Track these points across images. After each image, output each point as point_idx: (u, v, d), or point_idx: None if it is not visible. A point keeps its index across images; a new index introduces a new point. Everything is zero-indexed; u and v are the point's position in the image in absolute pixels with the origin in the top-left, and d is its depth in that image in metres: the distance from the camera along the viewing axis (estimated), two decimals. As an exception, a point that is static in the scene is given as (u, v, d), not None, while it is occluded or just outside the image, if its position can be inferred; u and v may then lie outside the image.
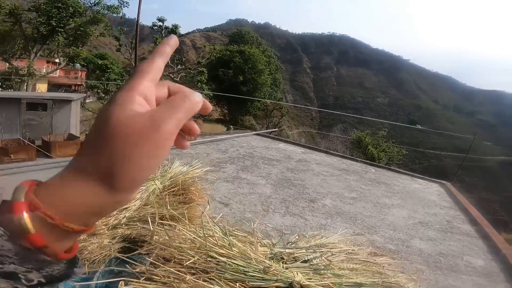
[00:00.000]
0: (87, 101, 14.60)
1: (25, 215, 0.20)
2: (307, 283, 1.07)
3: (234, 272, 1.10)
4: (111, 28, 13.10)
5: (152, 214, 1.86)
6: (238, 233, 1.43)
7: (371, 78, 79.95)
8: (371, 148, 10.51)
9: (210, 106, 0.28)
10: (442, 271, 1.94)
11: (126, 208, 1.91)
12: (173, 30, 13.34)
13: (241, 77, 16.54)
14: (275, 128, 13.48)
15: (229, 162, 4.00)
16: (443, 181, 4.44)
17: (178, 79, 13.46)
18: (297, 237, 1.83)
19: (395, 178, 4.38)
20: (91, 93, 16.77)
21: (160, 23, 13.28)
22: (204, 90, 14.22)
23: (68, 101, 5.45)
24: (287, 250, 1.39)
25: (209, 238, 1.24)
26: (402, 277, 1.25)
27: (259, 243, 1.45)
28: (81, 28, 10.82)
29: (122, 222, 1.86)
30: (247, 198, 2.88)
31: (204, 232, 1.25)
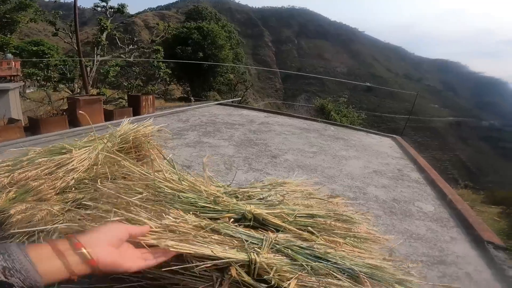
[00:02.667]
0: (28, 91, 12.92)
1: (83, 249, 0.50)
2: (259, 211, 1.07)
3: (183, 204, 1.08)
4: (43, 13, 11.82)
5: (103, 174, 1.73)
6: (190, 175, 1.41)
7: (330, 49, 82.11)
8: (334, 114, 11.06)
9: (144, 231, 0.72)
10: (397, 216, 2.04)
11: (73, 169, 1.75)
12: (120, 9, 11.98)
13: (201, 53, 15.80)
14: (241, 100, 13.33)
15: (191, 130, 3.89)
16: (395, 136, 4.82)
17: (131, 60, 12.40)
18: (254, 182, 1.85)
19: (352, 134, 4.64)
20: (30, 82, 14.83)
21: (104, 3, 11.79)
22: (162, 69, 13.38)
23: (5, 91, 4.95)
24: (241, 190, 1.39)
25: (158, 173, 1.20)
26: (356, 214, 1.28)
27: (212, 183, 1.44)
28: (7, 15, 9.29)
29: (71, 184, 1.71)
30: (210, 159, 2.84)
31: (153, 167, 1.21)
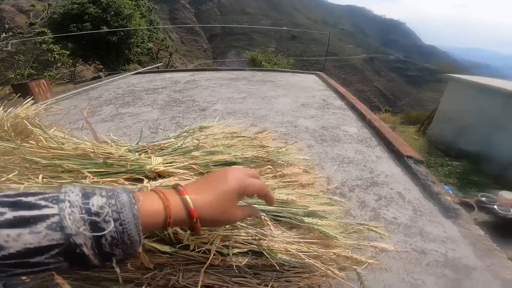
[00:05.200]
0: None
1: (187, 196, 0.41)
2: (162, 168, 0.89)
3: (61, 172, 0.89)
4: None
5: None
6: (86, 141, 1.19)
7: (252, 3, 79.69)
8: (265, 63, 11.10)
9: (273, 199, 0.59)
10: (328, 143, 2.12)
11: None
12: None
13: (105, 27, 13.52)
14: (166, 67, 12.22)
15: (105, 104, 3.39)
16: (317, 72, 5.06)
17: (8, 49, 9.91)
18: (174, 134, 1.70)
19: (279, 76, 4.71)
20: None
21: None
22: (55, 51, 11.16)
23: None
24: (152, 144, 1.22)
25: (28, 143, 0.96)
26: (286, 145, 1.18)
27: (114, 143, 1.24)
28: None
29: None
30: (132, 128, 2.56)
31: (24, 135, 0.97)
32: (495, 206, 2.93)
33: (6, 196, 0.30)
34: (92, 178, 0.81)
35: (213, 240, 0.70)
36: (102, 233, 0.31)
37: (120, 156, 0.94)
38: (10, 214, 0.28)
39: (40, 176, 0.81)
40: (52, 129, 1.10)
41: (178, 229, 0.74)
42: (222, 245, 0.75)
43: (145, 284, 0.83)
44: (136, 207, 0.35)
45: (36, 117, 1.68)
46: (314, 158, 1.84)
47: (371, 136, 2.33)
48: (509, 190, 3.20)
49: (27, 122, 1.01)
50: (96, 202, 0.32)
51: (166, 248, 0.76)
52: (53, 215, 0.29)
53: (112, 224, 0.31)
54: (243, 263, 0.76)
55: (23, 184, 0.78)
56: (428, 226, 1.24)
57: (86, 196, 0.32)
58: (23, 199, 0.30)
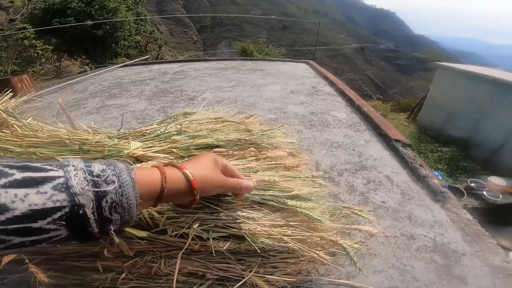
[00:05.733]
0: None
1: (187, 171, 0.46)
2: (141, 153, 0.86)
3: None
4: None
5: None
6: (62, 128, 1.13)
7: (242, -7, 78.25)
8: (256, 53, 10.96)
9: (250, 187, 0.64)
10: (316, 128, 2.11)
11: None
12: None
13: (89, 21, 13.13)
14: (156, 59, 11.96)
15: (91, 97, 3.29)
16: (308, 60, 5.01)
17: None
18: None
19: (269, 64, 4.65)
20: None
21: None
22: (37, 47, 10.84)
23: None
24: (133, 130, 1.17)
25: (1, 131, 0.91)
26: (273, 129, 1.13)
27: (93, 131, 1.19)
28: None
29: None
30: (118, 119, 2.49)
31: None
32: (484, 192, 2.96)
33: (14, 161, 0.31)
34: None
35: (192, 223, 0.68)
36: (106, 188, 0.33)
37: (97, 142, 0.90)
38: (19, 175, 0.29)
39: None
40: (28, 119, 1.05)
41: (154, 212, 0.71)
42: (201, 229, 0.73)
43: (126, 271, 0.80)
44: (133, 172, 0.37)
45: (15, 110, 1.61)
46: (303, 143, 1.83)
47: (360, 121, 2.34)
48: (498, 176, 3.25)
49: (0, 111, 0.95)
50: (97, 166, 0.34)
51: (143, 233, 0.73)
52: (59, 177, 0.31)
53: (113, 185, 0.33)
54: (224, 248, 0.74)
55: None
56: (417, 210, 1.24)
57: (87, 162, 0.35)
58: (30, 164, 0.31)
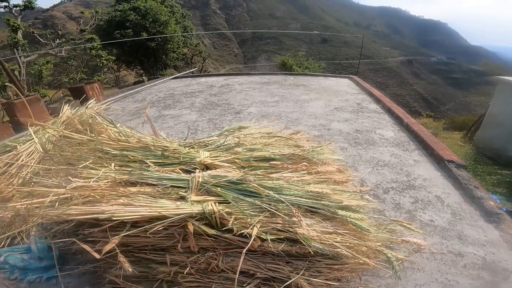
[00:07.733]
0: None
1: None
2: (210, 161, 1.02)
3: (128, 162, 1.03)
4: None
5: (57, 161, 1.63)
6: (145, 134, 1.36)
7: (280, 7, 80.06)
8: (296, 67, 11.09)
9: None
10: (362, 146, 2.12)
11: (24, 164, 1.64)
12: (28, 6, 10.32)
13: (144, 34, 14.61)
14: (200, 71, 12.78)
15: (149, 107, 3.71)
16: (351, 76, 4.98)
17: (63, 54, 11.16)
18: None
19: (311, 80, 4.73)
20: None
21: (5, 3, 10.10)
22: (103, 57, 12.31)
23: None
24: (197, 140, 1.35)
25: (100, 136, 1.14)
26: (320, 146, 1.27)
27: (163, 138, 1.40)
28: None
29: (28, 179, 1.60)
30: (174, 128, 2.78)
31: (95, 130, 1.15)
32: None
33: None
34: (154, 168, 0.95)
35: (256, 223, 0.80)
36: None
37: (174, 149, 1.09)
38: None
39: (113, 164, 0.98)
40: (118, 124, 1.30)
41: (224, 213, 0.84)
42: (262, 231, 0.84)
43: (189, 266, 0.94)
44: None
45: (97, 116, 1.94)
46: (347, 160, 1.86)
47: (408, 140, 2.28)
48: None
49: (102, 118, 1.21)
50: None
51: (213, 231, 0.87)
52: None
53: None
54: (279, 249, 0.84)
55: (100, 170, 0.95)
56: (468, 229, 1.21)
57: None
58: None
